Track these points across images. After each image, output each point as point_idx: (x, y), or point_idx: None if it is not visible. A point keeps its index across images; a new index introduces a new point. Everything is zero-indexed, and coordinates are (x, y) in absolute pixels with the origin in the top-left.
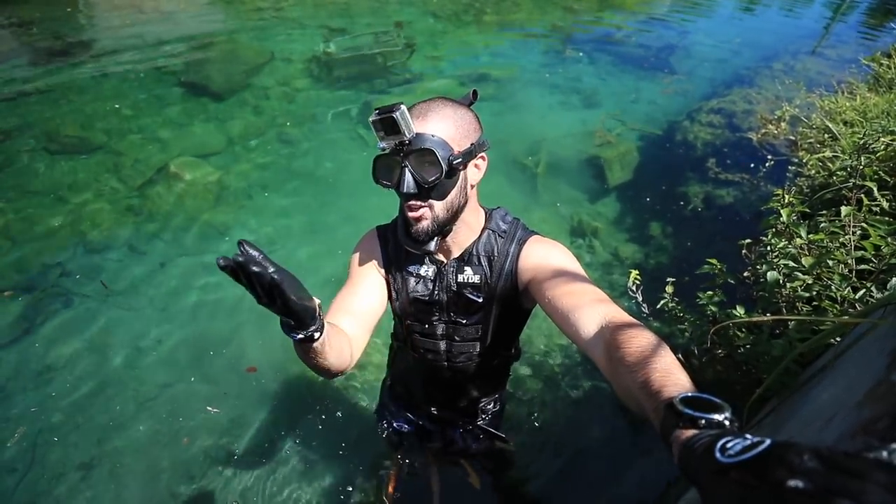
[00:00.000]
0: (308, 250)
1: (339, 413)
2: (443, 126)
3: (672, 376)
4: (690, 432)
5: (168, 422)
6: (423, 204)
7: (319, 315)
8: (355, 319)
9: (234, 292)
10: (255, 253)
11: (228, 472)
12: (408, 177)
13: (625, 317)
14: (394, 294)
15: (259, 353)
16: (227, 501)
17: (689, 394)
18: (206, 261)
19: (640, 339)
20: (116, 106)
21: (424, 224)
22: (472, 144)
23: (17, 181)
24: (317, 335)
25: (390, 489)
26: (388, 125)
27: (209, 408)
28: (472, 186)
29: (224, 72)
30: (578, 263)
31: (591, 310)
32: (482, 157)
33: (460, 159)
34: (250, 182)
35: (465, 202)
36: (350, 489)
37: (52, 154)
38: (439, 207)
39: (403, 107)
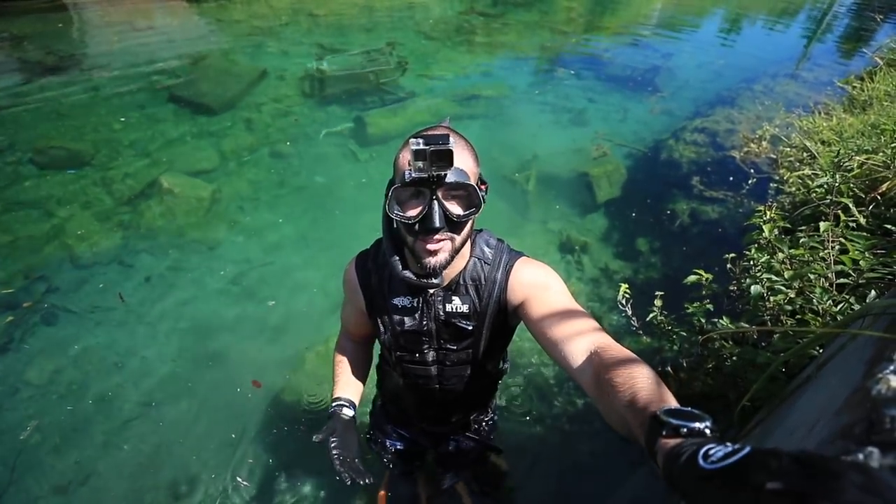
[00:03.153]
0: (299, 265)
1: (317, 422)
2: (465, 158)
3: (658, 395)
4: (674, 441)
5: (151, 442)
6: (444, 237)
7: (352, 410)
8: (359, 340)
9: (223, 310)
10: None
11: (213, 491)
12: (437, 210)
13: (612, 342)
14: (381, 328)
15: (248, 369)
16: None
17: (673, 406)
18: (196, 277)
19: (627, 364)
20: (107, 120)
21: (442, 257)
22: (479, 176)
23: (4, 194)
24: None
25: None
26: (439, 156)
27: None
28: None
29: (217, 88)
30: (564, 285)
31: (580, 337)
32: (485, 190)
33: (484, 193)
34: (242, 197)
35: (471, 234)
36: None
37: (40, 168)
38: (458, 240)
39: (452, 138)
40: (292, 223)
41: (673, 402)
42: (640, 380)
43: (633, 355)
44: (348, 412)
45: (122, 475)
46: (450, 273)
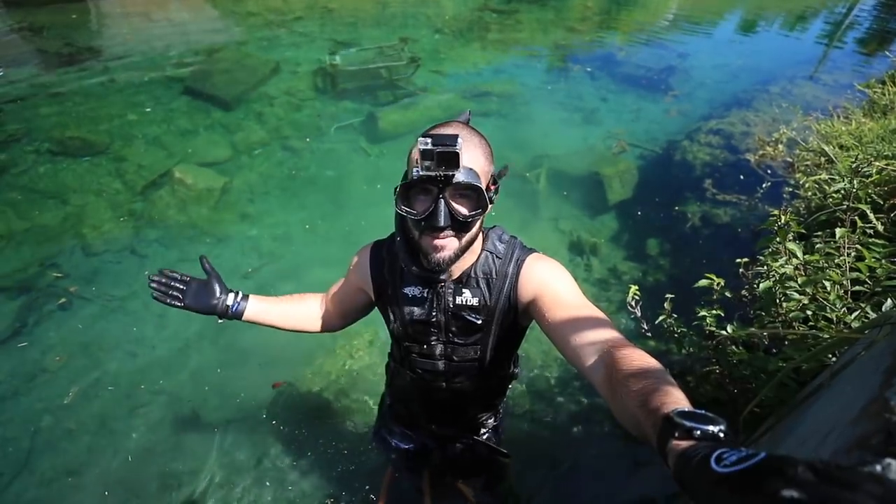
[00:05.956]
0: (307, 259)
1: (333, 427)
2: (476, 158)
3: (671, 396)
4: (686, 444)
5: (159, 430)
6: (450, 235)
7: (236, 306)
8: (333, 309)
9: None
10: (164, 288)
11: (217, 484)
12: (443, 209)
13: (625, 342)
14: (391, 316)
15: (258, 361)
16: None
17: (686, 409)
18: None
19: (640, 363)
20: (122, 111)
21: (447, 254)
22: (492, 176)
23: (21, 182)
24: (239, 317)
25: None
26: (446, 158)
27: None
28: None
29: (230, 81)
30: (575, 282)
31: (593, 335)
32: (497, 191)
33: (493, 193)
34: (253, 190)
35: (479, 232)
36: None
37: (56, 156)
38: (465, 239)
39: (461, 139)
40: (303, 217)
41: (686, 404)
42: (654, 380)
43: (647, 355)
44: (237, 298)
45: (132, 461)
46: (461, 266)
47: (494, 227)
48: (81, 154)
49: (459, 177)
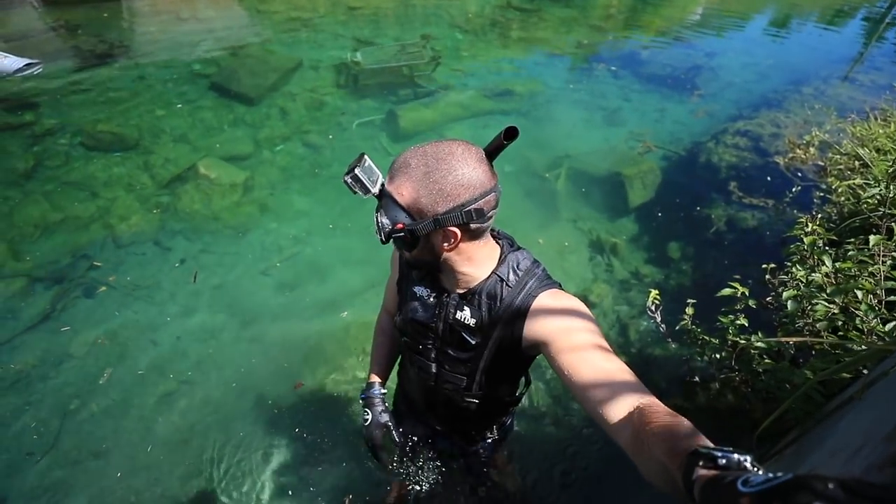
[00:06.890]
0: (327, 254)
1: (353, 430)
2: (403, 189)
3: (700, 440)
4: (712, 473)
5: (184, 417)
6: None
7: (380, 393)
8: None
9: (254, 295)
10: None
11: (236, 478)
12: (374, 223)
13: (653, 399)
14: (399, 309)
15: (279, 355)
16: (230, 501)
17: (711, 445)
18: (229, 261)
19: (670, 418)
20: (151, 107)
21: (404, 258)
22: (436, 216)
23: (55, 174)
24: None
25: (392, 496)
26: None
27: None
28: (447, 250)
29: (254, 77)
30: (596, 324)
31: (619, 394)
32: (453, 232)
33: (401, 234)
34: (275, 185)
35: (436, 260)
36: (351, 496)
37: (88, 150)
38: (409, 254)
39: (357, 171)
40: (324, 212)
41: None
42: (682, 430)
43: (675, 412)
44: (379, 405)
45: (154, 447)
46: (467, 282)
47: (520, 249)
48: (112, 148)
49: (380, 199)
